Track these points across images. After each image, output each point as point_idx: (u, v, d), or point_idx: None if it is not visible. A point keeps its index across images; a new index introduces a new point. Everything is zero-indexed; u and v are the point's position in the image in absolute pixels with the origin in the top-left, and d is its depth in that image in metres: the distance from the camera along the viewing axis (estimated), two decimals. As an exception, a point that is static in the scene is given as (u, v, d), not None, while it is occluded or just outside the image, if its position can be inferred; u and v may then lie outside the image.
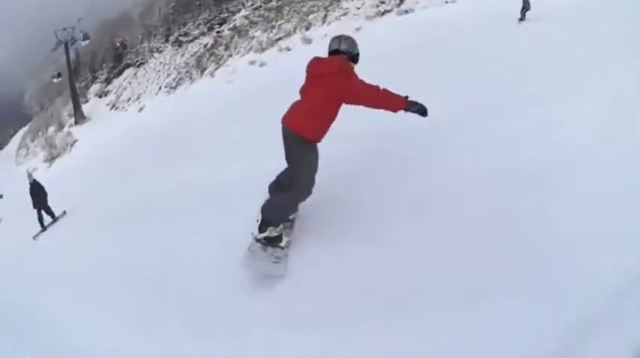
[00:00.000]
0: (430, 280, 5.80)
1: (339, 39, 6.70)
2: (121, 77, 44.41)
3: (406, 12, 34.61)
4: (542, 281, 5.34)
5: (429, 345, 5.29)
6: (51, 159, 45.55)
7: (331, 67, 6.16)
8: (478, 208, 6.30)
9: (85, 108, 47.85)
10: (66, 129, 47.45)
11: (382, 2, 36.44)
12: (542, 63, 11.25)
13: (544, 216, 6.02)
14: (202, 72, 40.43)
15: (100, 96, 44.23)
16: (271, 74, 32.27)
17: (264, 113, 11.30)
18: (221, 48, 41.26)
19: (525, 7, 22.53)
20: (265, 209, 6.18)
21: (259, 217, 6.32)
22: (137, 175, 17.44)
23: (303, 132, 5.97)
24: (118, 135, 37.36)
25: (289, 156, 6.28)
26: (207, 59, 41.01)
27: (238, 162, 10.79)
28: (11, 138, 56.92)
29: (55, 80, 52.95)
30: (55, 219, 18.97)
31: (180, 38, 45.57)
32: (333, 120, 6.14)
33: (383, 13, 35.05)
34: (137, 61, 47.31)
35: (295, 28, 38.50)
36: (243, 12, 43.51)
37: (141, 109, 41.81)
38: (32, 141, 52.15)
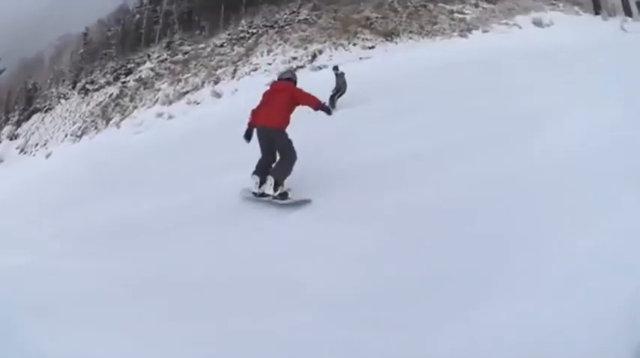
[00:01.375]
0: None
1: (289, 72, 11.09)
2: (30, 121, 43.25)
3: (319, 68, 36.49)
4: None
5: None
6: None
7: (288, 86, 10.27)
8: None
9: None
10: None
11: (294, 58, 38.33)
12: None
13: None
14: (108, 122, 40.64)
15: (11, 139, 43.56)
16: (180, 126, 34.00)
17: (172, 163, 12.56)
18: (126, 99, 41.51)
19: (341, 91, 23.80)
20: (275, 173, 9.41)
21: (257, 180, 9.87)
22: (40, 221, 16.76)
23: (279, 126, 9.62)
24: (25, 180, 36.50)
25: (273, 144, 9.84)
26: (113, 109, 41.35)
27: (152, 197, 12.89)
28: None
29: None
30: None
31: (87, 86, 44.76)
32: (291, 114, 9.92)
33: (295, 69, 34.46)
34: (44, 106, 44.11)
35: (204, 82, 39.23)
36: (149, 64, 43.82)
37: (48, 156, 41.77)
38: None
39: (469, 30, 37.96)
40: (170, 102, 38.84)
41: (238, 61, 39.98)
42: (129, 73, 44.67)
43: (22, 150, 42.74)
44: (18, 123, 45.57)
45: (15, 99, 47.43)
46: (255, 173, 9.74)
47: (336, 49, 38.42)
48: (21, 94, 46.88)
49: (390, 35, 38.32)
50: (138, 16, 49.42)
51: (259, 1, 44.43)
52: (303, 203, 9.21)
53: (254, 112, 10.37)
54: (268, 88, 10.67)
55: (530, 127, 10.32)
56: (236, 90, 35.54)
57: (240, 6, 45.12)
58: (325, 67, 35.51)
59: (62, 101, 45.84)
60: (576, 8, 40.97)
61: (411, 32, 38.38)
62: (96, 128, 41.33)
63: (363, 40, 38.58)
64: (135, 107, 40.81)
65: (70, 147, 41.13)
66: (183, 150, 21.68)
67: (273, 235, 8.76)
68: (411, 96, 18.05)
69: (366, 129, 14.25)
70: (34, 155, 44.34)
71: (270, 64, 38.40)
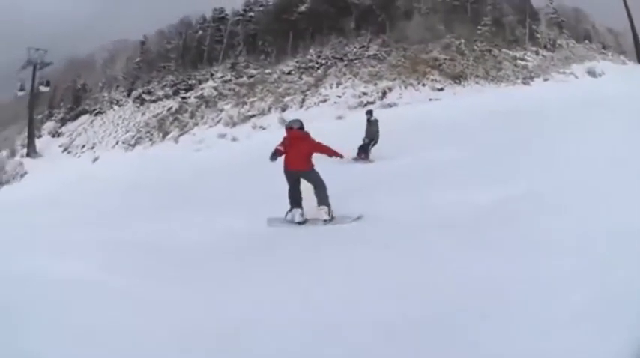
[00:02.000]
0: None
1: (298, 121, 12.99)
2: (77, 121, 42.92)
3: (390, 106, 36.40)
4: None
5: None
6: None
7: (307, 135, 12.38)
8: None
9: (38, 143, 47.63)
10: (17, 158, 47.48)
11: (364, 93, 38.52)
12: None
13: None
14: (164, 135, 40.64)
15: (54, 136, 42.83)
16: (243, 150, 33.66)
17: (232, 185, 16.04)
18: (186, 114, 41.76)
19: (374, 140, 23.16)
20: (324, 201, 11.77)
21: (301, 211, 12.26)
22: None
23: (305, 168, 12.04)
24: (69, 181, 36.58)
25: (299, 180, 12.36)
26: (171, 123, 41.51)
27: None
28: None
29: (19, 93, 51.60)
30: None
31: (144, 96, 45.80)
32: (311, 157, 12.06)
33: (365, 105, 35.85)
34: (95, 109, 47.49)
35: (270, 108, 39.55)
36: (212, 82, 44.09)
37: (95, 159, 41.91)
38: None
39: (531, 78, 39.04)
40: (234, 124, 38.99)
41: (307, 90, 40.20)
42: (189, 89, 44.93)
43: (65, 149, 41.46)
44: (62, 121, 44.07)
45: (61, 97, 45.84)
46: (295, 206, 12.17)
47: (405, 87, 38.69)
48: (67, 93, 45.40)
49: (457, 78, 38.83)
50: (200, 32, 49.96)
51: (327, 32, 44.87)
52: (356, 219, 11.54)
53: (282, 153, 12.60)
54: (287, 133, 12.76)
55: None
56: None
57: (308, 34, 45.47)
58: (395, 105, 36.82)
59: (115, 107, 46.82)
60: (622, 57, 42.96)
61: (477, 76, 39.11)
62: (151, 139, 41.15)
63: (432, 80, 38.79)
64: (195, 124, 40.77)
65: (120, 155, 41.05)
66: (244, 174, 22.16)
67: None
68: (486, 139, 18.82)
69: (461, 170, 14.60)
70: (79, 156, 44.29)
71: (339, 97, 38.76)
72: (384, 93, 38.29)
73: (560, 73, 39.65)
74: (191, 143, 37.77)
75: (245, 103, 40.59)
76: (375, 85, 38.94)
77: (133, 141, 41.48)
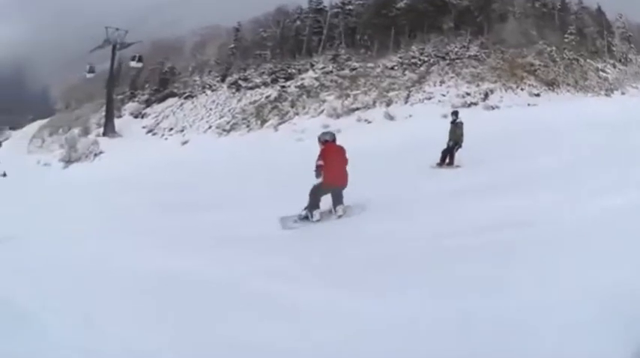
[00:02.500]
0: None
1: (331, 134, 13.51)
2: (164, 104, 44.22)
3: (492, 108, 37.63)
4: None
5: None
6: (68, 160, 44.88)
7: (343, 148, 13.11)
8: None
9: (117, 123, 47.62)
10: (91, 136, 47.12)
11: (467, 94, 39.32)
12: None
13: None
14: (262, 123, 41.48)
15: (136, 117, 43.00)
16: (347, 142, 30.29)
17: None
18: (286, 103, 42.45)
19: (459, 143, 21.54)
20: (340, 201, 12.96)
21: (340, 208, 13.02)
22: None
23: (346, 183, 12.85)
24: (153, 162, 36.48)
25: (341, 191, 12.95)
26: (270, 111, 42.24)
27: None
28: (28, 124, 54.38)
29: (87, 75, 51.24)
30: None
31: (240, 82, 46.40)
32: None
33: (469, 105, 37.57)
34: (184, 93, 48.37)
35: (375, 102, 40.29)
36: (312, 73, 44.71)
37: (184, 143, 42.33)
38: (50, 135, 51.58)
39: (612, 90, 40.23)
40: (338, 116, 39.65)
41: (411, 86, 41.24)
42: (289, 77, 45.45)
43: (150, 131, 46.33)
44: (147, 103, 43.91)
45: (145, 78, 45.19)
46: (317, 208, 12.88)
47: (505, 90, 39.73)
48: (153, 75, 44.75)
49: (551, 85, 40.10)
50: (298, 22, 50.25)
51: (427, 29, 45.26)
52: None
53: (329, 169, 12.49)
54: (327, 146, 12.91)
55: None
56: (410, 115, 37.30)
57: (407, 31, 45.90)
58: (498, 107, 37.98)
59: (208, 91, 47.82)
60: None
61: (568, 84, 40.32)
62: (248, 126, 42.21)
63: (529, 85, 39.87)
64: (296, 113, 41.46)
65: (213, 140, 41.68)
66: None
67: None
68: (590, 148, 18.21)
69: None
70: (165, 138, 44.95)
71: (443, 96, 39.64)
72: (486, 95, 39.38)
73: (633, 87, 41.22)
74: (292, 132, 38.86)
75: (348, 95, 41.22)
76: (478, 86, 40.20)
77: (227, 127, 42.62)
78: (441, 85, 40.92)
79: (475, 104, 38.44)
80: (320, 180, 12.66)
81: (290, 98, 42.87)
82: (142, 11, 47.66)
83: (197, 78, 47.94)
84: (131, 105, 49.02)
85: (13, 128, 60.95)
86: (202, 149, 38.79)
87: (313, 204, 12.75)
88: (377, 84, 41.81)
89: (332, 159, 12.57)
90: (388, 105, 39.75)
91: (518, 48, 42.55)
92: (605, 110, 31.37)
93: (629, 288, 5.61)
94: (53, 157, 45.94)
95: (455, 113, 22.53)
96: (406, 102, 39.88)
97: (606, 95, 39.27)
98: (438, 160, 21.26)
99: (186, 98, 46.50)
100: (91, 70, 50.19)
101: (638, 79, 41.57)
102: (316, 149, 13.27)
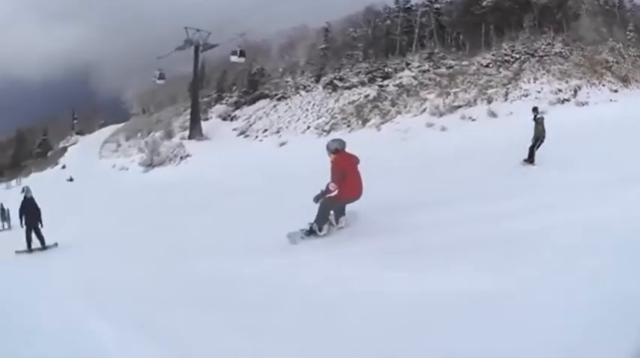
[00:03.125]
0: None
1: (342, 142, 11.49)
2: (254, 106, 44.69)
3: (582, 104, 38.47)
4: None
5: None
6: (150, 164, 46.07)
7: (357, 158, 11.41)
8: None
9: (203, 125, 49.72)
10: (175, 139, 49.23)
11: (560, 90, 40.70)
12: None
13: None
14: (364, 122, 43.20)
15: (225, 119, 43.50)
16: (455, 141, 33.43)
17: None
18: (386, 102, 44.44)
19: (540, 139, 21.61)
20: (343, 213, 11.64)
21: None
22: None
23: None
24: (248, 165, 37.31)
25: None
26: (370, 110, 44.08)
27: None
28: (98, 129, 54.96)
29: (157, 81, 52.34)
30: (44, 245, 18.42)
31: (335, 82, 48.62)
32: None
33: (562, 102, 39.22)
34: (276, 94, 50.88)
35: (475, 99, 42.37)
36: (408, 72, 47.09)
37: (282, 144, 43.97)
38: (127, 139, 53.72)
39: None
40: (440, 114, 41.56)
41: (508, 84, 43.25)
42: (386, 76, 47.22)
43: (242, 133, 41.67)
44: (236, 105, 44.15)
45: (232, 81, 45.98)
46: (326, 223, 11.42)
47: (590, 87, 40.94)
48: (241, 77, 45.43)
49: (625, 81, 41.66)
50: (388, 21, 52.41)
51: (514, 27, 47.42)
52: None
53: (348, 183, 10.91)
54: (347, 158, 11.27)
55: None
56: (511, 112, 38.01)
57: (494, 28, 47.64)
58: (587, 104, 38.34)
59: (302, 92, 49.95)
60: None
61: (636, 81, 41.40)
62: (349, 126, 43.67)
63: (608, 82, 41.38)
64: (398, 112, 42.91)
65: (312, 140, 41.64)
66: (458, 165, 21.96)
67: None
68: None
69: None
70: (260, 140, 46.12)
71: (539, 92, 40.97)
72: (575, 92, 40.60)
73: None
74: (395, 131, 40.86)
75: (448, 94, 44.04)
76: (567, 82, 41.83)
77: (327, 127, 44.69)
78: (534, 82, 43.33)
79: (568, 100, 40.10)
80: (334, 193, 11.31)
81: (390, 97, 45.52)
82: (227, 15, 48.56)
83: (289, 79, 50.30)
84: (219, 108, 51.90)
85: (80, 133, 61.50)
86: (301, 150, 39.79)
87: (323, 218, 11.65)
88: (474, 81, 45.51)
89: (351, 171, 11.32)
90: (489, 102, 42.25)
91: (593, 45, 45.45)
92: None
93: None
94: (131, 161, 47.95)
95: (535, 109, 23.26)
96: (505, 100, 41.86)
97: None
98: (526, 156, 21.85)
99: (279, 99, 50.70)
100: (161, 77, 54.29)
101: None
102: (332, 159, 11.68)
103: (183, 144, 47.21)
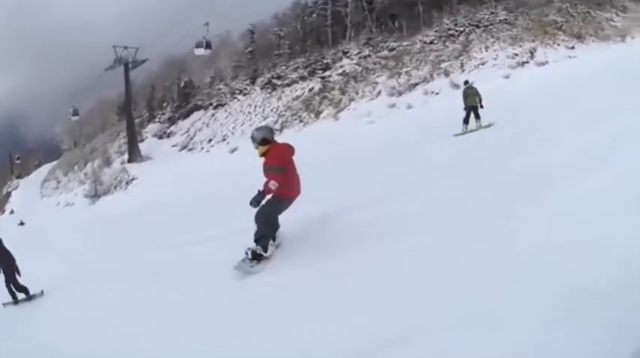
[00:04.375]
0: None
1: (270, 130, 9.98)
2: (189, 119, 45.27)
3: (542, 64, 39.93)
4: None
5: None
6: (94, 195, 44.37)
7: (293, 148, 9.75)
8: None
9: (140, 147, 47.91)
10: (115, 165, 47.58)
11: (516, 54, 41.56)
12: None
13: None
14: (317, 115, 42.46)
15: (161, 137, 41.79)
16: (419, 116, 34.24)
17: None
18: (335, 92, 43.60)
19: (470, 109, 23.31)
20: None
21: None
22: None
23: None
24: (201, 176, 36.54)
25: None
26: (320, 102, 43.40)
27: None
28: (34, 169, 53.10)
29: (72, 118, 52.33)
30: (29, 296, 14.51)
31: (274, 81, 47.56)
32: None
33: (522, 64, 40.24)
34: (210, 104, 48.97)
35: (432, 74, 42.27)
36: (347, 60, 46.29)
37: (233, 150, 42.47)
38: (65, 175, 51.81)
39: (623, 37, 41.69)
40: (400, 93, 40.96)
41: (460, 56, 43.60)
42: (326, 68, 46.51)
43: (184, 147, 41.66)
44: (171, 121, 42.75)
45: (161, 97, 44.20)
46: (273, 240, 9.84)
47: (545, 47, 41.92)
48: (169, 93, 44.21)
49: (579, 37, 42.85)
50: (314, 15, 51.63)
51: (452, 2, 48.40)
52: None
53: (290, 179, 9.31)
54: (286, 150, 9.56)
55: None
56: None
57: (434, 5, 48.04)
58: (547, 63, 39.69)
59: (239, 97, 49.14)
60: None
61: (590, 35, 42.78)
62: (301, 121, 43.25)
63: (562, 40, 42.48)
64: (351, 99, 42.38)
65: None
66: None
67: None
68: None
69: None
70: (207, 151, 44.89)
71: (495, 59, 41.57)
72: (532, 53, 41.52)
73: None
74: (355, 118, 43.83)
75: (400, 73, 43.06)
76: (520, 46, 42.49)
77: (277, 126, 43.26)
78: (487, 50, 43.59)
79: (527, 62, 40.96)
80: (271, 196, 9.45)
81: (337, 86, 44.68)
82: (148, 31, 46.69)
83: (221, 86, 47.29)
84: (152, 127, 50.39)
85: (19, 176, 59.79)
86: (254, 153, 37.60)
87: (269, 233, 9.65)
88: (423, 59, 44.45)
89: (291, 163, 9.58)
90: (447, 75, 41.95)
91: (538, 8, 46.18)
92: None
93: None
94: (74, 196, 45.25)
95: (465, 82, 25.53)
96: (463, 71, 41.55)
97: (621, 41, 41.52)
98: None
99: (215, 108, 47.68)
100: (75, 113, 51.44)
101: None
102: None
103: (126, 168, 45.31)
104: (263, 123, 42.08)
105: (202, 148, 45.52)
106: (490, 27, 45.33)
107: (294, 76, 47.24)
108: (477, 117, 22.71)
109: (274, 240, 9.93)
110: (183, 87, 52.42)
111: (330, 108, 42.60)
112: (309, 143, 35.70)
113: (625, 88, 16.57)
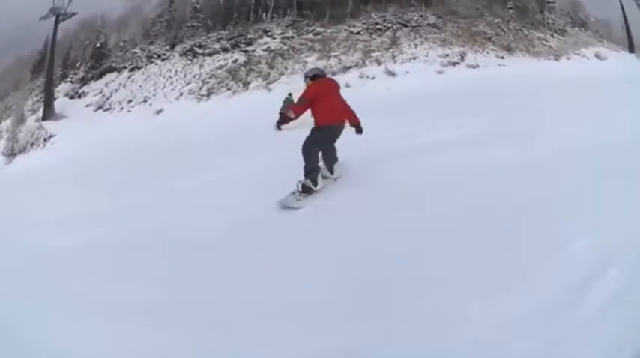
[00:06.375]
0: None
1: (320, 69, 12.03)
2: (103, 79, 46.14)
3: (474, 67, 42.24)
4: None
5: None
6: (11, 153, 41.85)
7: (337, 83, 11.20)
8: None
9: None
10: (31, 123, 44.38)
11: (447, 55, 43.26)
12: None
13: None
14: (245, 85, 43.00)
15: (72, 97, 41.10)
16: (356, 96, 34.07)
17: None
18: (261, 65, 44.59)
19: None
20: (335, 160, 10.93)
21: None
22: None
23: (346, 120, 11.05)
24: (130, 133, 36.04)
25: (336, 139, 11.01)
26: (247, 73, 44.00)
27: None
28: None
29: None
30: None
31: (196, 49, 47.46)
32: None
33: (454, 64, 42.19)
34: (124, 66, 48.01)
35: (364, 61, 43.11)
36: (269, 39, 46.98)
37: (158, 112, 42.15)
38: None
39: (558, 56, 45.50)
40: (334, 74, 40.28)
41: (389, 48, 44.54)
42: (249, 43, 47.13)
43: (100, 107, 45.92)
44: (83, 82, 41.94)
45: (76, 57, 43.57)
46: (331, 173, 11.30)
47: (475, 53, 44.20)
48: (84, 54, 44.33)
49: (508, 49, 45.08)
50: None
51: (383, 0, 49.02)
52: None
53: (320, 107, 10.60)
54: (319, 83, 10.85)
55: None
56: (407, 72, 40.41)
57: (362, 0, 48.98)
58: (478, 66, 42.10)
59: (158, 61, 48.04)
60: (614, 46, 49.50)
61: (520, 50, 45.39)
62: (229, 89, 43.31)
63: (491, 50, 44.83)
64: (281, 74, 43.53)
65: (194, 105, 41.85)
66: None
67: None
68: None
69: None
70: (128, 111, 43.96)
71: (426, 56, 43.31)
72: (462, 57, 43.58)
73: (576, 54, 46.72)
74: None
75: (329, 57, 44.20)
76: (450, 49, 44.24)
77: (204, 92, 43.62)
78: (416, 48, 44.71)
79: (458, 63, 42.79)
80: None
81: (264, 61, 45.30)
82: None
83: (137, 50, 46.91)
84: (64, 87, 47.91)
85: None
86: (182, 115, 39.09)
87: (313, 165, 10.63)
88: (352, 46, 45.05)
89: (324, 94, 10.57)
90: (379, 64, 42.91)
91: (468, 19, 47.71)
92: (570, 68, 39.25)
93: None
94: None
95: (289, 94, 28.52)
96: (395, 62, 43.01)
97: (555, 60, 45.09)
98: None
99: (131, 70, 45.43)
100: None
101: (577, 47, 47.49)
102: None
103: (43, 125, 42.70)
104: (187, 88, 43.09)
105: (122, 109, 44.20)
106: (418, 28, 46.34)
107: (217, 46, 47.36)
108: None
109: (332, 172, 11.12)
110: (98, 48, 49.75)
111: (259, 80, 43.09)
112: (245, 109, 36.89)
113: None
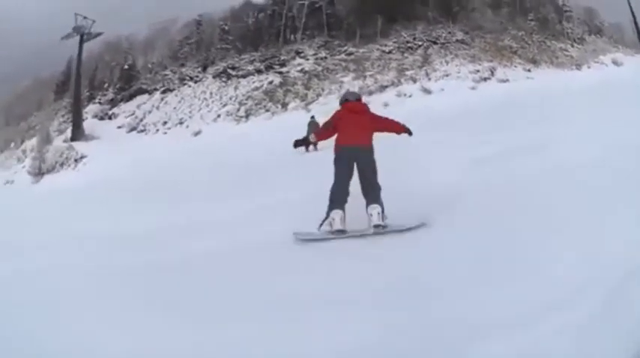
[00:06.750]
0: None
1: (354, 94, 9.87)
2: (134, 101, 43.95)
3: (504, 81, 42.92)
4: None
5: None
6: (38, 173, 42.21)
7: (364, 107, 9.23)
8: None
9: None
10: (58, 143, 45.18)
11: (477, 71, 44.72)
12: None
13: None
14: (283, 106, 43.42)
15: (102, 118, 41.17)
16: (397, 113, 34.32)
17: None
18: (297, 86, 45.04)
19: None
20: (375, 198, 8.14)
21: (342, 214, 8.17)
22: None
23: (368, 143, 8.77)
24: (166, 156, 36.12)
25: (369, 167, 8.67)
26: (284, 94, 44.47)
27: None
28: None
29: None
30: None
31: (229, 71, 48.09)
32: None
33: (485, 80, 43.42)
34: (155, 88, 48.84)
35: (399, 80, 43.92)
36: (302, 60, 47.70)
37: (197, 134, 42.73)
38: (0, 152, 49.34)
39: (579, 65, 47.25)
40: (370, 93, 41.43)
41: (422, 66, 45.49)
42: (283, 64, 47.83)
43: (133, 129, 41.98)
44: (112, 103, 41.65)
45: (102, 79, 43.59)
46: (338, 207, 8.21)
47: (503, 67, 45.49)
48: (111, 75, 44.61)
49: (533, 62, 46.62)
50: (262, 14, 53.19)
51: (411, 17, 49.39)
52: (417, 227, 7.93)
53: (327, 136, 9.33)
54: (344, 110, 9.25)
55: None
56: (442, 89, 41.78)
57: (389, 18, 49.08)
58: (508, 80, 42.92)
59: (190, 83, 45.02)
60: (628, 50, 51.36)
61: (545, 62, 46.97)
62: (267, 110, 43.81)
63: (518, 63, 46.05)
64: (318, 95, 43.68)
65: (232, 127, 42.10)
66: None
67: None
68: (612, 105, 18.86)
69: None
70: (164, 133, 44.56)
71: (458, 73, 44.74)
72: (492, 71, 44.90)
73: (595, 62, 48.27)
74: (326, 111, 35.99)
75: (365, 76, 44.70)
76: (480, 64, 45.85)
77: (242, 113, 44.37)
78: (447, 64, 46.49)
79: (489, 79, 44.32)
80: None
81: (300, 82, 45.96)
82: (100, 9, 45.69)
83: (168, 72, 46.59)
84: (92, 108, 47.80)
85: None
86: (222, 136, 39.15)
87: (333, 199, 8.44)
88: (385, 65, 46.00)
89: (342, 120, 9.06)
90: (414, 82, 44.19)
91: (494, 33, 48.97)
92: (591, 77, 39.00)
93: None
94: (14, 173, 42.18)
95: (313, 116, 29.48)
96: (429, 79, 44.27)
97: (577, 69, 46.60)
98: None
99: (163, 92, 45.22)
100: None
101: (595, 55, 49.54)
102: None
103: (73, 145, 43.61)
104: (224, 110, 44.19)
105: (157, 130, 44.93)
106: (447, 44, 48.31)
107: (250, 68, 48.06)
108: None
109: (369, 204, 8.02)
110: (127, 69, 50.96)
111: (297, 101, 43.65)
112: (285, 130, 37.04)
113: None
